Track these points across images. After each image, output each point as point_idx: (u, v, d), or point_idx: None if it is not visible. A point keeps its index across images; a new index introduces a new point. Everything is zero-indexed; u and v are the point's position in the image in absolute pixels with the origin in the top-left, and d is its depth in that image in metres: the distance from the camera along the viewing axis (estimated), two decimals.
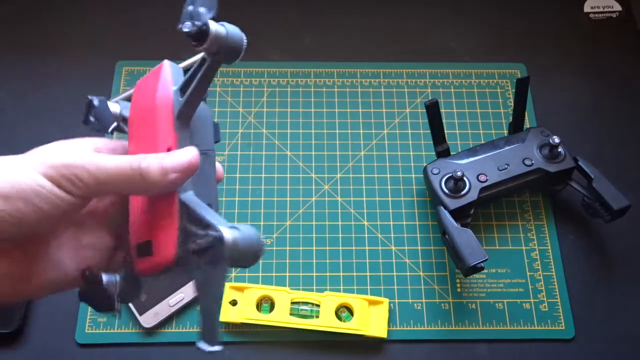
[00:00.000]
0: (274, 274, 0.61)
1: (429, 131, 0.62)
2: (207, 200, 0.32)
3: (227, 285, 0.59)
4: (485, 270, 0.62)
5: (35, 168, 0.29)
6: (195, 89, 0.32)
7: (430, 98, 0.63)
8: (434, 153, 0.63)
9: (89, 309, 0.59)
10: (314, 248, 0.63)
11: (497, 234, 0.64)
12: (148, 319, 0.58)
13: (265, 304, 0.59)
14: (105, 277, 0.32)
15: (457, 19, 0.78)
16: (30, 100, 0.70)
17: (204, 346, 0.32)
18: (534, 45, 0.76)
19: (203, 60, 0.32)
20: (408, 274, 0.62)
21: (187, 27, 0.29)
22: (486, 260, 0.55)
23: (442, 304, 0.60)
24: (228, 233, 0.28)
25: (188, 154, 0.32)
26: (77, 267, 0.33)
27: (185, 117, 0.33)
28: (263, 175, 0.66)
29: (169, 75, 0.34)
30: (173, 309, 0.59)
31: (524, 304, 0.60)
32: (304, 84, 0.72)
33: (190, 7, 0.29)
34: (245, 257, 0.28)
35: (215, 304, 0.32)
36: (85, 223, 0.34)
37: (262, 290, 0.59)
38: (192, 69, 0.33)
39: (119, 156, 0.31)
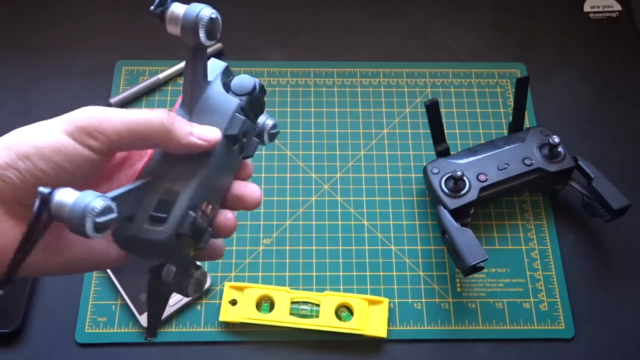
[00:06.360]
0: (273, 274, 0.61)
1: (429, 131, 0.62)
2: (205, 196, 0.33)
3: (227, 284, 0.59)
4: (485, 270, 0.62)
5: (60, 127, 0.30)
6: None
7: (430, 98, 0.63)
8: (434, 153, 0.63)
9: (89, 308, 0.59)
10: (314, 247, 0.63)
11: (497, 233, 0.64)
12: None
13: (265, 303, 0.59)
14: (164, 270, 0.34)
15: (457, 19, 0.78)
16: (30, 100, 0.70)
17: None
18: (534, 45, 0.76)
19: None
20: (408, 273, 0.62)
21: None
22: (486, 259, 0.55)
23: (442, 304, 0.60)
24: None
25: (213, 130, 0.33)
26: (106, 247, 0.34)
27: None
28: (263, 175, 0.66)
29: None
30: (173, 309, 0.59)
31: (523, 304, 0.60)
32: (304, 84, 0.72)
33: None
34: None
35: (162, 308, 0.37)
36: None
37: (262, 289, 0.59)
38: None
39: (140, 110, 0.32)
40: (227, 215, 0.35)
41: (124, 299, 0.59)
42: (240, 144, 0.35)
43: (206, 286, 0.60)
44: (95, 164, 0.31)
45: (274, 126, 0.38)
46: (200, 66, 0.34)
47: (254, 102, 0.36)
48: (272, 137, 0.38)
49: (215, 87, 0.35)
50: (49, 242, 0.31)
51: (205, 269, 0.60)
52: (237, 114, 0.35)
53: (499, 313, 0.60)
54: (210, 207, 0.33)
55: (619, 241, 0.64)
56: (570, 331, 0.59)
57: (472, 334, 0.59)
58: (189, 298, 0.59)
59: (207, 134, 0.33)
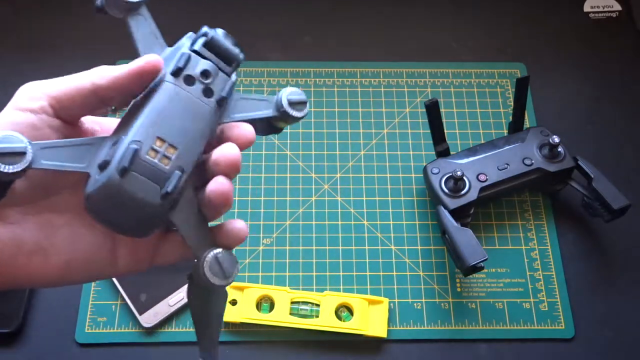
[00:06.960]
0: (273, 274, 0.61)
1: (429, 131, 0.62)
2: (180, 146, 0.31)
3: None
4: (485, 270, 0.62)
5: (10, 103, 0.31)
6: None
7: (430, 98, 0.63)
8: (434, 153, 0.63)
9: (89, 308, 0.59)
10: (314, 247, 0.63)
11: (497, 233, 0.64)
12: (148, 319, 0.58)
13: (265, 303, 0.59)
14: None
15: (457, 19, 0.78)
16: None
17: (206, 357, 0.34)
18: (534, 45, 0.76)
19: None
20: (408, 273, 0.62)
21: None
22: (486, 259, 0.55)
23: (442, 304, 0.60)
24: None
25: (146, 57, 0.32)
26: (112, 248, 0.32)
27: None
28: (263, 175, 0.66)
29: None
30: (173, 309, 0.58)
31: (523, 304, 0.60)
32: (304, 84, 0.72)
33: None
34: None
35: (212, 320, 0.34)
36: None
37: (262, 289, 0.59)
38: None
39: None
40: (235, 224, 0.32)
41: (124, 299, 0.59)
42: (203, 85, 0.32)
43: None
44: (46, 131, 0.30)
45: (293, 93, 0.34)
46: (142, 24, 0.35)
47: (211, 45, 0.33)
48: (297, 107, 0.34)
49: (170, 48, 0.34)
50: (45, 239, 0.30)
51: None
52: (184, 51, 0.32)
53: (499, 313, 0.60)
54: (168, 147, 0.30)
55: (619, 241, 0.64)
56: (570, 331, 0.59)
57: (472, 334, 0.59)
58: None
59: (145, 56, 0.32)
